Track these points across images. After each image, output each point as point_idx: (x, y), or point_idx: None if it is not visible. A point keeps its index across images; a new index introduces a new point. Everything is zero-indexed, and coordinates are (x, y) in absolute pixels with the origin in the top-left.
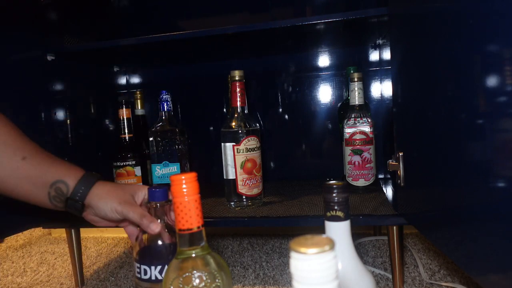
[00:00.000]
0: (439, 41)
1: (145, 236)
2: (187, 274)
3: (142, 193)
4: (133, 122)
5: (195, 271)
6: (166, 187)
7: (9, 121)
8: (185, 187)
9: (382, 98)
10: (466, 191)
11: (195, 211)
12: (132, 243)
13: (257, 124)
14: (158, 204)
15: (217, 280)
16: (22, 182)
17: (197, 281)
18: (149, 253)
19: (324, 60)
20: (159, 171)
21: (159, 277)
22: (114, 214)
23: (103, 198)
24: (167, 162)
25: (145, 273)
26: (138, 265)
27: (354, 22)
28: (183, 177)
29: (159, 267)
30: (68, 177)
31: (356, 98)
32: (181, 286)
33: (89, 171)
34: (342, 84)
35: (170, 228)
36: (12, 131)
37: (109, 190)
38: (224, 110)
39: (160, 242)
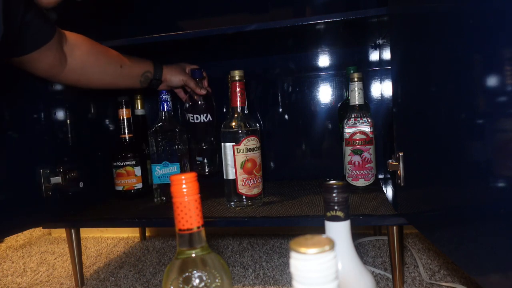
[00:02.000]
0: (439, 41)
1: (190, 97)
2: (187, 274)
3: (188, 69)
4: (133, 122)
5: (195, 271)
6: (201, 69)
7: (102, 46)
8: (185, 187)
9: (382, 98)
10: (466, 191)
11: (195, 211)
12: (182, 98)
13: (257, 124)
14: (198, 79)
15: (217, 280)
16: (123, 80)
17: (197, 281)
18: (194, 107)
19: (324, 60)
20: (159, 171)
21: (202, 120)
22: (180, 83)
23: (172, 74)
24: (167, 162)
25: (193, 119)
26: (188, 114)
27: (354, 22)
28: (183, 177)
29: (199, 115)
30: (149, 67)
31: (356, 98)
32: (181, 286)
33: (155, 61)
34: (342, 84)
35: (207, 93)
36: (109, 50)
37: (173, 68)
38: (224, 110)
39: (200, 101)
